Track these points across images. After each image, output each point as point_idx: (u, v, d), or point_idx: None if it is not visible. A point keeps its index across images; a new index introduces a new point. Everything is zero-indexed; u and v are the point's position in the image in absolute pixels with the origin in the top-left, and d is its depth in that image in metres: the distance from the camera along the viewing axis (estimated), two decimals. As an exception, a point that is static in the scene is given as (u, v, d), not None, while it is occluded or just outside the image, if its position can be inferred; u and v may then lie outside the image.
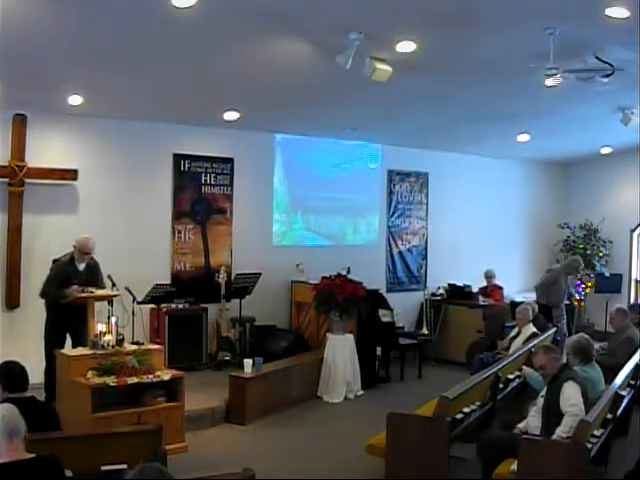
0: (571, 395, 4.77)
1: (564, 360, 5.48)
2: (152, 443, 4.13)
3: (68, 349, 6.52)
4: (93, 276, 6.82)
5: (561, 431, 4.68)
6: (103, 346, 6.12)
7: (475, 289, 10.63)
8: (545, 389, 5.08)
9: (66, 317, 6.61)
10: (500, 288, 10.45)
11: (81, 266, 6.78)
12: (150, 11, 5.31)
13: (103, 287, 6.85)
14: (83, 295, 6.70)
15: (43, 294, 6.71)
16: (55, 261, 6.90)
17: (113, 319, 6.35)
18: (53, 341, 6.55)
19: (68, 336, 6.78)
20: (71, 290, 6.53)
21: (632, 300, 12.00)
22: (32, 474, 3.08)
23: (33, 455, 3.13)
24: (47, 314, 6.74)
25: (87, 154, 8.09)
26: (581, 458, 4.32)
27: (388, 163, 10.88)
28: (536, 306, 8.27)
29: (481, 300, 10.30)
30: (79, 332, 6.70)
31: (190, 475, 3.92)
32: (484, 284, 10.53)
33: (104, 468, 3.91)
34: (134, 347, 6.33)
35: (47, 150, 7.74)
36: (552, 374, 5.00)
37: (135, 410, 5.93)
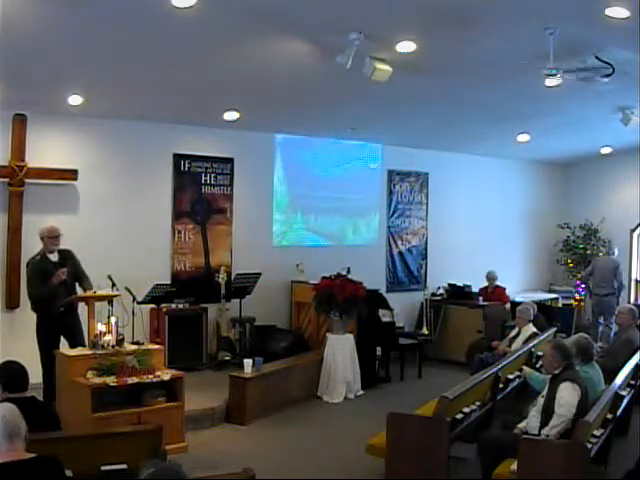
0: (564, 396, 4.77)
1: None
2: (152, 443, 4.12)
3: (68, 349, 6.51)
4: (70, 264, 6.74)
5: (545, 430, 4.73)
6: (103, 346, 6.12)
7: (475, 289, 10.63)
8: (546, 388, 5.08)
9: (56, 316, 6.57)
10: (504, 288, 10.45)
11: (54, 257, 6.70)
12: (150, 11, 5.31)
13: (84, 273, 6.80)
14: (83, 295, 6.71)
15: (32, 296, 6.67)
16: (28, 264, 6.81)
17: (113, 319, 6.34)
18: (47, 343, 6.50)
19: (62, 338, 6.76)
20: (55, 276, 6.49)
21: (632, 300, 12.00)
22: (32, 474, 3.08)
23: (33, 455, 3.12)
24: (37, 317, 6.68)
25: (87, 154, 8.09)
26: (581, 458, 4.32)
27: (388, 163, 10.88)
28: (533, 306, 8.28)
29: (481, 300, 10.31)
30: (73, 332, 6.70)
31: (190, 475, 3.91)
32: (484, 284, 10.52)
33: (104, 468, 3.90)
34: (134, 347, 6.32)
35: (47, 150, 7.74)
36: (552, 372, 5.01)
37: (135, 410, 5.92)
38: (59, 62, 6.24)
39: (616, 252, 11.21)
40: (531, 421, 5.05)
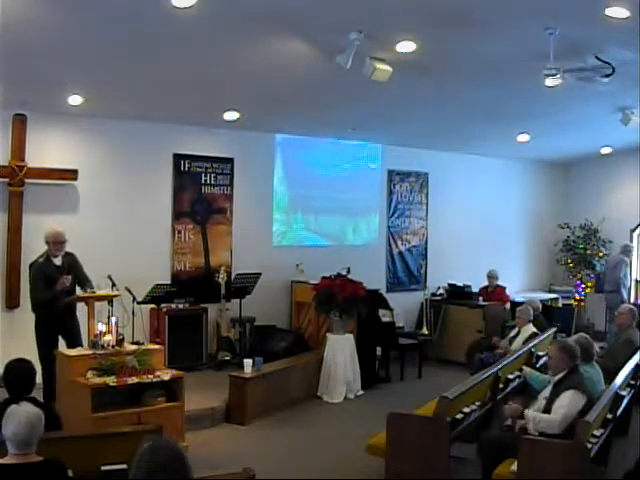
0: (567, 404, 4.74)
1: None
2: (152, 443, 4.11)
3: (68, 349, 6.51)
4: (73, 268, 6.74)
5: (532, 415, 4.77)
6: (103, 346, 6.11)
7: (475, 289, 10.63)
8: (549, 389, 5.07)
9: (55, 317, 6.57)
10: (504, 288, 10.46)
11: (58, 261, 6.68)
12: (150, 11, 5.31)
13: (86, 277, 6.79)
14: (83, 295, 6.71)
15: (35, 302, 6.65)
16: (31, 265, 6.79)
17: (113, 319, 6.33)
18: (46, 343, 6.49)
19: (60, 337, 6.75)
20: (60, 283, 6.50)
21: (632, 300, 12.00)
22: (38, 477, 3.12)
23: (41, 458, 3.17)
24: (35, 316, 6.67)
25: (87, 154, 8.09)
26: (581, 458, 4.32)
27: (388, 163, 10.88)
28: (538, 305, 8.27)
29: (481, 300, 10.30)
30: (71, 332, 6.70)
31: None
32: (484, 284, 10.52)
33: (104, 468, 3.90)
34: (134, 347, 6.31)
35: (47, 150, 7.74)
36: (557, 373, 5.00)
37: (135, 410, 5.92)
38: (59, 62, 6.24)
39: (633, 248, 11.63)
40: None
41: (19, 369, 4.13)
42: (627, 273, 11.23)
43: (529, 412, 4.88)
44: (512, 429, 5.08)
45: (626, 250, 11.36)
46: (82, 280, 6.79)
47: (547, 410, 4.88)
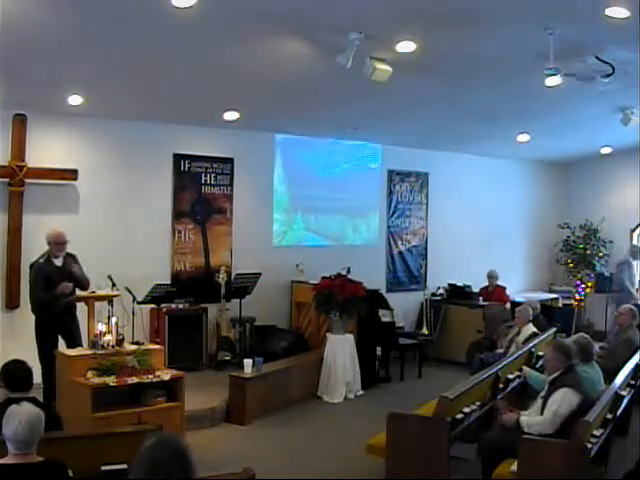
0: (558, 401, 4.74)
1: None
2: (152, 443, 4.11)
3: (68, 349, 6.51)
4: (74, 269, 6.74)
5: (525, 422, 4.78)
6: (103, 346, 6.11)
7: (475, 289, 10.63)
8: (545, 389, 5.08)
9: (55, 317, 6.57)
10: (504, 288, 10.46)
11: (59, 262, 6.68)
12: (150, 11, 5.31)
13: (86, 278, 6.79)
14: (83, 295, 6.71)
15: (34, 303, 6.65)
16: (32, 265, 6.78)
17: (113, 319, 6.34)
18: (46, 343, 6.50)
19: (60, 337, 6.75)
20: (60, 287, 6.51)
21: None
22: (39, 477, 3.12)
23: (41, 459, 3.17)
24: (35, 317, 6.67)
25: (87, 154, 8.09)
26: (581, 458, 4.32)
27: (388, 163, 10.88)
28: (537, 306, 8.27)
29: (481, 300, 10.30)
30: (71, 333, 6.70)
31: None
32: (485, 284, 10.52)
33: (104, 468, 3.90)
34: (134, 347, 6.32)
35: (47, 150, 7.74)
36: (553, 373, 5.00)
37: (135, 410, 5.92)
38: (59, 62, 6.24)
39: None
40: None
41: (15, 370, 4.13)
42: (633, 274, 11.36)
43: (523, 419, 4.86)
44: (511, 429, 5.08)
45: (632, 251, 11.55)
46: (82, 281, 6.79)
47: (543, 408, 4.88)
